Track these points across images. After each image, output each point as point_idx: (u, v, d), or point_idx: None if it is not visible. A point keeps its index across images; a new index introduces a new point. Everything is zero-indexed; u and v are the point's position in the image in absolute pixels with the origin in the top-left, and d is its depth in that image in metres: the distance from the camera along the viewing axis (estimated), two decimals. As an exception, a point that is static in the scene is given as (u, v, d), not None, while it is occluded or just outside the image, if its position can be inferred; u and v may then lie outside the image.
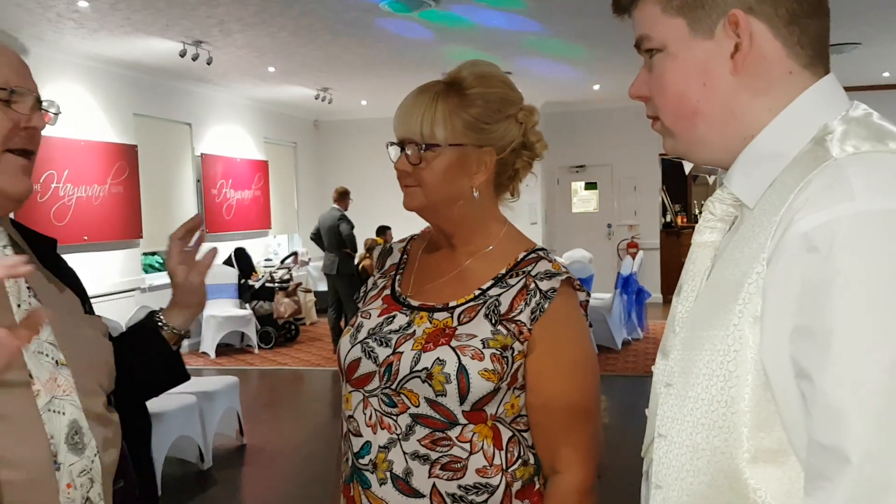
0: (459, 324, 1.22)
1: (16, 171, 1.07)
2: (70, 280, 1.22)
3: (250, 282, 8.25)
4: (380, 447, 1.21)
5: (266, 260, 9.24)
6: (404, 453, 1.20)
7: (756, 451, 0.74)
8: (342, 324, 7.66)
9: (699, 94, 0.82)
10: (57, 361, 1.06)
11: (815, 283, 0.67)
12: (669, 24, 0.82)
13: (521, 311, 1.21)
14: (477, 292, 1.25)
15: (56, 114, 1.12)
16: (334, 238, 7.61)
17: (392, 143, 1.28)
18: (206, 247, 1.32)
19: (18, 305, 1.06)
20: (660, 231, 10.70)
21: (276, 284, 8.37)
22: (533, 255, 1.28)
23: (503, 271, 1.26)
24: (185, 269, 1.28)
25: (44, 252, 1.19)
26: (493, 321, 1.21)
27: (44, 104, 1.10)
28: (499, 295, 1.24)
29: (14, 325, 0.98)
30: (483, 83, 1.25)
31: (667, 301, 10.26)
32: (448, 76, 1.27)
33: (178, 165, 7.92)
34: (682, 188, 11.61)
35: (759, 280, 0.73)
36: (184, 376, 1.34)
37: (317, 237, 7.89)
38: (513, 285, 1.24)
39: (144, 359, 1.27)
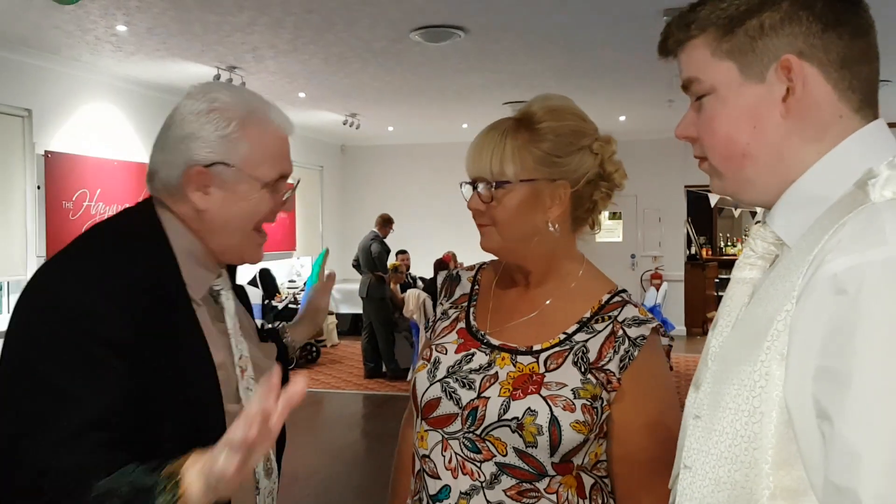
0: (547, 370, 1.17)
1: (258, 246, 1.22)
2: (246, 304, 1.35)
3: (273, 302, 8.31)
4: (461, 493, 1.16)
5: (290, 281, 9.31)
6: (488, 502, 1.15)
7: (776, 488, 0.74)
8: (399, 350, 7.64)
9: (749, 138, 0.82)
10: None
11: (841, 325, 0.67)
12: (719, 68, 0.83)
13: (609, 360, 1.17)
14: (562, 336, 1.21)
15: (295, 189, 1.25)
16: (367, 259, 7.65)
17: (465, 183, 1.26)
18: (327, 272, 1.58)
19: (237, 346, 1.19)
20: (684, 263, 10.62)
21: (299, 306, 8.41)
22: (617, 298, 1.24)
23: (588, 315, 1.22)
24: (320, 294, 1.54)
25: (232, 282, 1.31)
26: (583, 370, 1.17)
27: (290, 183, 1.23)
28: (585, 341, 1.19)
29: (233, 362, 1.15)
30: (554, 116, 1.22)
31: (691, 334, 10.14)
32: (519, 112, 1.25)
33: (207, 186, 8.03)
34: (708, 220, 11.52)
35: (788, 318, 0.73)
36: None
37: (357, 262, 7.93)
38: (600, 331, 1.20)
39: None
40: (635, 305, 1.23)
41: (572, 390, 1.15)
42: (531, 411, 1.13)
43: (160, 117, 1.23)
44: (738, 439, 0.76)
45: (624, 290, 1.27)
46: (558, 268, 1.27)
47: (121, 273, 1.05)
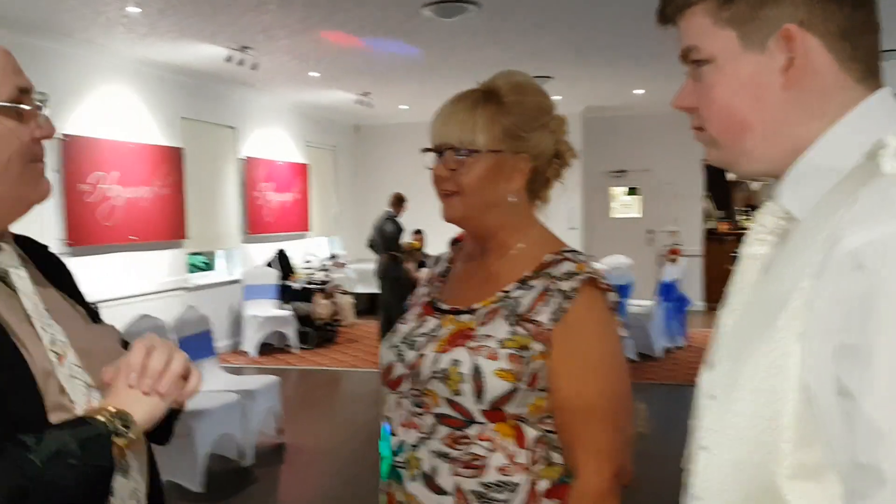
0: (480, 325, 1.25)
1: (38, 178, 1.05)
2: (71, 288, 1.17)
3: (289, 283, 8.36)
4: (411, 446, 1.26)
5: (305, 262, 9.35)
6: (430, 452, 1.24)
7: (796, 467, 0.73)
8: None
9: (749, 108, 0.81)
10: (86, 384, 1.01)
11: (860, 301, 0.66)
12: (720, 37, 0.81)
13: (540, 312, 1.22)
14: (500, 294, 1.28)
15: (45, 104, 1.05)
16: (381, 239, 7.66)
17: (428, 150, 1.31)
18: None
19: (43, 329, 1.00)
20: (702, 238, 10.55)
21: (315, 286, 8.46)
22: (558, 256, 1.29)
23: (528, 273, 1.28)
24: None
25: (44, 261, 1.15)
26: (512, 322, 1.23)
27: (37, 99, 1.03)
28: (520, 296, 1.26)
29: (43, 350, 0.97)
30: (519, 92, 1.29)
31: (709, 309, 10.09)
32: (484, 85, 1.31)
33: (223, 168, 8.06)
34: (725, 194, 11.42)
35: (805, 296, 0.72)
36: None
37: (372, 242, 7.93)
38: (535, 287, 1.26)
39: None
40: (575, 262, 1.26)
41: (498, 341, 1.21)
42: (455, 361, 1.21)
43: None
44: (756, 419, 0.75)
45: (571, 250, 1.30)
46: (512, 235, 1.32)
47: None
